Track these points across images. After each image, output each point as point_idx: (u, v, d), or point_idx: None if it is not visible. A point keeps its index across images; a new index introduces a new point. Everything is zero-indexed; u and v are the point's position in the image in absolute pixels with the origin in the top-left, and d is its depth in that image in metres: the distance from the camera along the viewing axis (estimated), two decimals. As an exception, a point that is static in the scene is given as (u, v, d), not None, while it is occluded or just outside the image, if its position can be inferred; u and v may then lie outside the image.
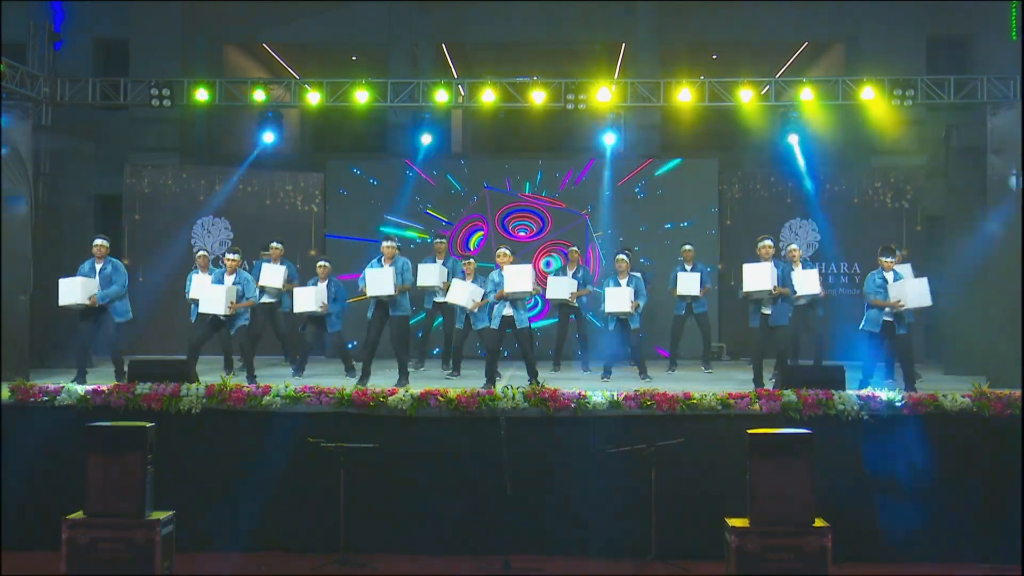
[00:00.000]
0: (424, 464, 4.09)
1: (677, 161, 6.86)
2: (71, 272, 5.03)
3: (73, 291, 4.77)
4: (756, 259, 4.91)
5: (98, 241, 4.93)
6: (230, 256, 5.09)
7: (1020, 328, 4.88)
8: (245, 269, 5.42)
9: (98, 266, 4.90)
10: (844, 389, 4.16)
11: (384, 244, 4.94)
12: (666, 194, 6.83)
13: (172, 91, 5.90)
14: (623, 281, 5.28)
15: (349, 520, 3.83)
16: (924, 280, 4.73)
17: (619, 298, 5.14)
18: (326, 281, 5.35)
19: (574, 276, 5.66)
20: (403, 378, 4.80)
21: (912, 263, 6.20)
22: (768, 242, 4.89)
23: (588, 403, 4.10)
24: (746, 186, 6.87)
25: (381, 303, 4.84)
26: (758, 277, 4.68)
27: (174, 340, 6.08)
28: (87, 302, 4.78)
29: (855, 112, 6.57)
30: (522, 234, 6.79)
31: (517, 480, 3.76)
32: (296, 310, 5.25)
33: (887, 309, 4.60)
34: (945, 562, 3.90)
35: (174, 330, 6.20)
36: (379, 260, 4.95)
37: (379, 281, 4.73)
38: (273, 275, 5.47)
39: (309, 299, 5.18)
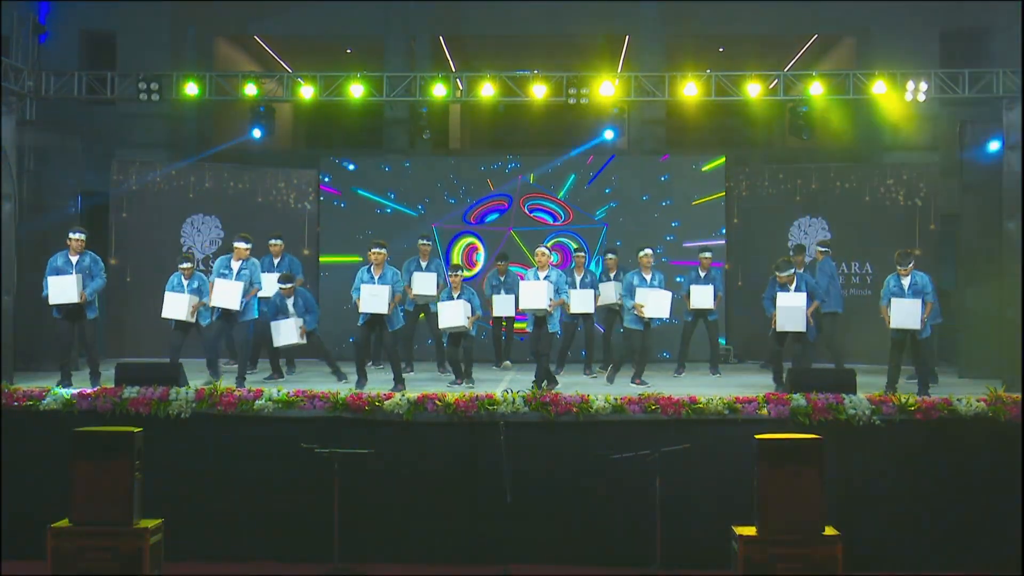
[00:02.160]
0: (421, 470, 4.03)
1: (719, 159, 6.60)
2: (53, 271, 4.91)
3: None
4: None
5: (76, 235, 4.78)
6: (240, 244, 4.93)
7: (1021, 329, 4.80)
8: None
9: (74, 259, 4.75)
10: (855, 393, 4.07)
11: (373, 251, 4.84)
12: (671, 191, 6.71)
13: (161, 85, 5.78)
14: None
15: (343, 528, 3.77)
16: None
17: (607, 292, 5.33)
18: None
19: (582, 281, 5.52)
20: (399, 383, 4.76)
21: (925, 263, 6.12)
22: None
23: (591, 407, 4.04)
24: (753, 183, 6.75)
25: (372, 315, 4.81)
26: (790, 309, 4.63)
27: (163, 343, 5.96)
28: (77, 300, 4.67)
29: (866, 107, 6.48)
30: (539, 216, 6.64)
31: (517, 487, 3.70)
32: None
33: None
34: (961, 571, 3.83)
35: (163, 333, 6.05)
36: (369, 269, 4.86)
37: (375, 299, 4.72)
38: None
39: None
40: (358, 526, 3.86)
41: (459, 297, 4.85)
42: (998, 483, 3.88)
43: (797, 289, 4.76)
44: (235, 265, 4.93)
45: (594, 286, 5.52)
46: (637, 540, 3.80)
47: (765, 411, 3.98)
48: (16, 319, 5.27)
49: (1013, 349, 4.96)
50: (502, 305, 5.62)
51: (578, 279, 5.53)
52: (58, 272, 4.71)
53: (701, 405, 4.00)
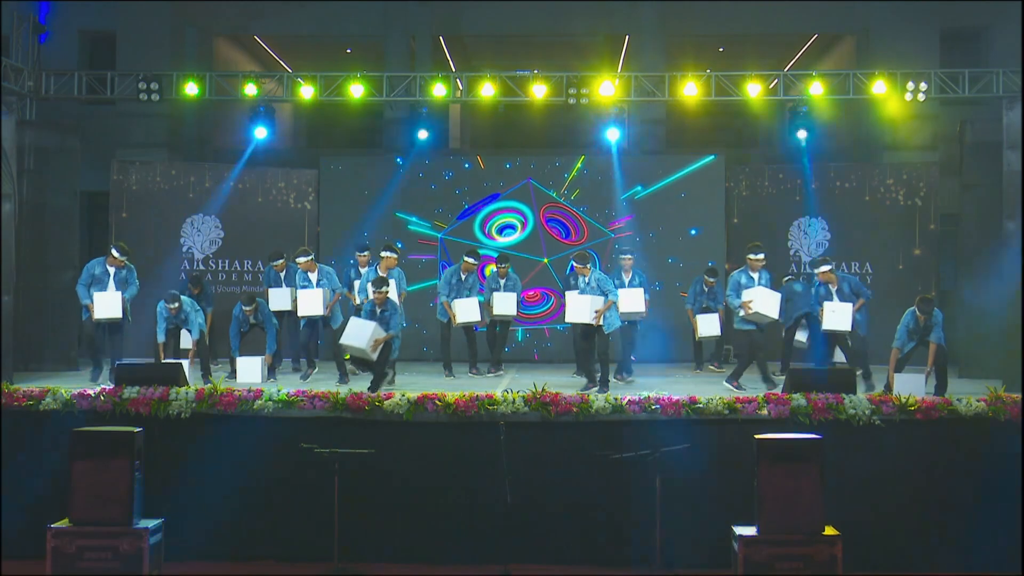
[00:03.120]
0: (421, 470, 4.02)
1: (711, 158, 6.62)
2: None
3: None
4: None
5: (120, 256, 4.91)
6: (301, 260, 5.08)
7: (1021, 329, 4.81)
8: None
9: (111, 270, 4.94)
10: (855, 393, 4.07)
11: (385, 255, 5.01)
12: (670, 192, 6.71)
13: (160, 85, 5.80)
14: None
15: (343, 528, 3.76)
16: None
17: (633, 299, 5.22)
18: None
19: (631, 283, 5.38)
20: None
21: (925, 263, 6.08)
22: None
23: (591, 407, 4.04)
24: (753, 183, 6.74)
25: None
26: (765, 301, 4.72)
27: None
28: (119, 316, 4.82)
29: (866, 107, 6.48)
30: (553, 228, 6.60)
31: (517, 487, 3.69)
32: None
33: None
34: (961, 571, 3.82)
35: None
36: (375, 269, 5.05)
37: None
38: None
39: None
40: (358, 526, 3.85)
41: (381, 314, 4.54)
42: (998, 483, 3.87)
43: (840, 289, 4.80)
44: (313, 277, 5.09)
45: (643, 286, 5.35)
46: (637, 540, 3.79)
47: (765, 411, 3.98)
48: (16, 319, 5.27)
49: (1013, 349, 4.96)
50: (503, 303, 5.46)
51: (626, 280, 5.39)
52: (95, 279, 4.85)
53: (701, 405, 3.99)
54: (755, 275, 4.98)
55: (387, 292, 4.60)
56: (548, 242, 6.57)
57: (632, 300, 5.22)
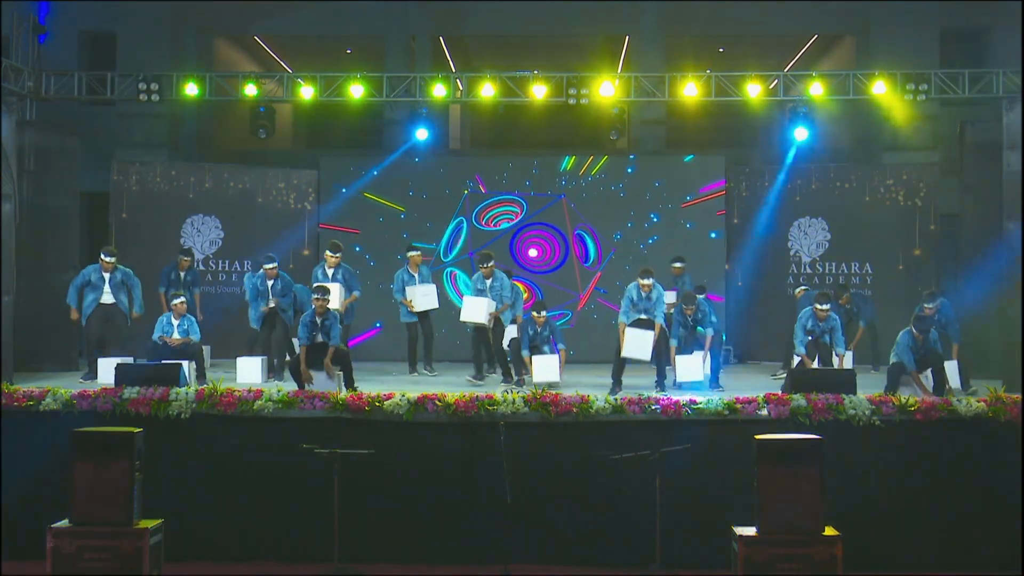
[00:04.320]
0: (421, 470, 4.03)
1: (689, 157, 6.69)
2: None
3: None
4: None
5: (108, 259, 5.00)
6: (268, 266, 5.11)
7: (1021, 329, 4.82)
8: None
9: (107, 276, 5.06)
10: (855, 394, 4.07)
11: (413, 254, 5.15)
12: (671, 192, 6.70)
13: (160, 85, 5.79)
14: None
15: (343, 528, 3.77)
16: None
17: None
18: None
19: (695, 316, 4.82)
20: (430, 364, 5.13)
21: (925, 264, 6.09)
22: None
23: (591, 408, 4.04)
24: (753, 183, 6.75)
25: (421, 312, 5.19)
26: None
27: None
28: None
29: (866, 107, 6.49)
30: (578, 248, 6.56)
31: (517, 487, 3.68)
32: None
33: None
34: (961, 571, 3.82)
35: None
36: (407, 269, 5.18)
37: (427, 297, 5.11)
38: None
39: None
40: (358, 526, 3.86)
41: (322, 323, 4.26)
42: (998, 483, 3.88)
43: (938, 321, 4.60)
44: (329, 272, 5.19)
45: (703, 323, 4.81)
46: (637, 540, 3.80)
47: (765, 411, 3.99)
48: (16, 319, 5.27)
49: (1013, 349, 4.96)
50: (471, 309, 4.96)
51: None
52: (89, 284, 5.00)
53: (701, 405, 4.00)
54: (822, 324, 4.63)
55: (328, 300, 4.36)
56: (581, 272, 6.48)
57: (685, 368, 4.74)
